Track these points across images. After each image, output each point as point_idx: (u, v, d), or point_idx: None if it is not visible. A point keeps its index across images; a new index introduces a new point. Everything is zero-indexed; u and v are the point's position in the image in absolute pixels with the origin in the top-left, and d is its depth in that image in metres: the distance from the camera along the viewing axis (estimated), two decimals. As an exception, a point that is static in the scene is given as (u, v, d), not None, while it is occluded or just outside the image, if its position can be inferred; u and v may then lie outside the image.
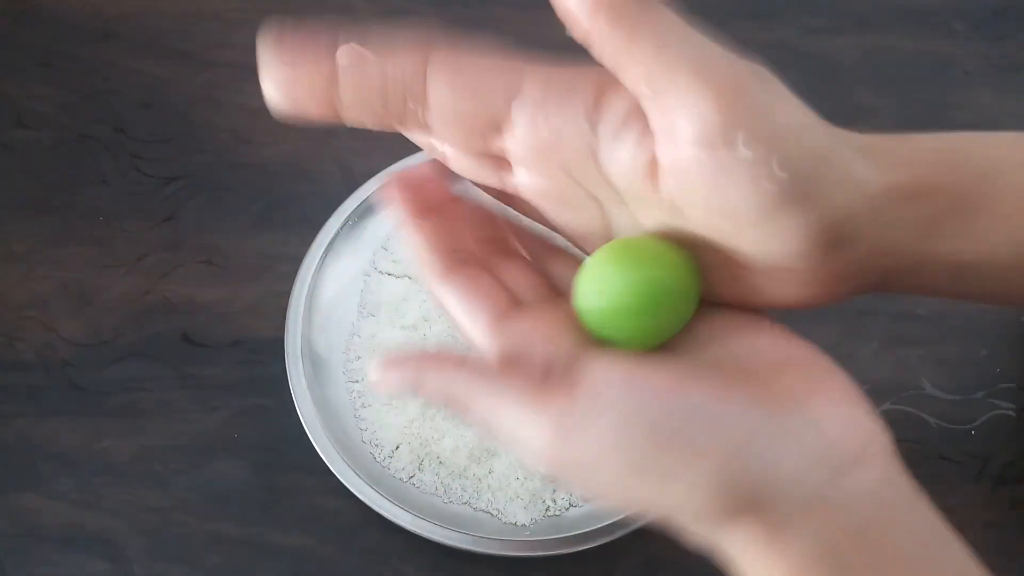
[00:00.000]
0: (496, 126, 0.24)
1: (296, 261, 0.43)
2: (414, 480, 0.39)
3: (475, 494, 0.38)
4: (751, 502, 0.22)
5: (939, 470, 0.40)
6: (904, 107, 0.51)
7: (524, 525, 0.37)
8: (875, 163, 0.24)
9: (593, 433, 0.22)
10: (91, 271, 0.45)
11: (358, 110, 0.25)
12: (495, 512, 0.38)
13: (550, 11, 0.59)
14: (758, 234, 0.23)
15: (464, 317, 0.25)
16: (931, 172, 0.25)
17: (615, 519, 0.36)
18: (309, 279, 0.42)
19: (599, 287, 0.24)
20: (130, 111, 0.50)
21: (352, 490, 0.37)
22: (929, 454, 0.40)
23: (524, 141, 0.24)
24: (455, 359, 0.24)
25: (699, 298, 0.25)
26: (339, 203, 0.44)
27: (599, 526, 0.36)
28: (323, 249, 0.43)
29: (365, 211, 0.44)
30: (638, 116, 0.23)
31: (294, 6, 0.54)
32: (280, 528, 0.39)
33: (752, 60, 0.26)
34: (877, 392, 0.42)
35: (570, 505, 0.38)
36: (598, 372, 0.23)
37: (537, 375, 0.23)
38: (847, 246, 0.23)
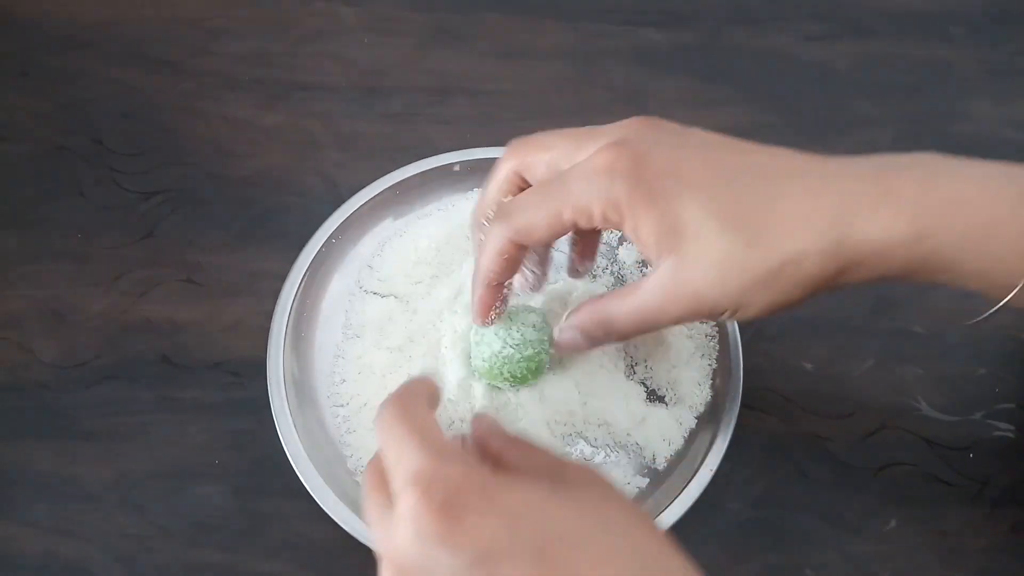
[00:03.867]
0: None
1: (279, 278, 0.42)
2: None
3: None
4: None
5: (936, 493, 0.39)
6: (901, 115, 0.50)
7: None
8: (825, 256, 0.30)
9: None
10: (68, 289, 0.44)
11: None
12: (482, 541, 0.37)
13: (536, 17, 0.58)
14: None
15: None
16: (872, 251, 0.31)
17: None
18: (292, 299, 0.41)
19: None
20: (108, 122, 0.49)
21: (335, 519, 0.36)
22: (926, 477, 0.39)
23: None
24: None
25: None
26: (323, 218, 0.43)
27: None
28: (306, 267, 0.42)
29: (350, 227, 0.43)
30: None
31: (278, 16, 0.53)
32: (261, 556, 0.38)
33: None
34: (872, 412, 0.41)
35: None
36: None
37: None
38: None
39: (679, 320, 0.32)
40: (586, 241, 0.37)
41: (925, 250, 0.30)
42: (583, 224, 0.32)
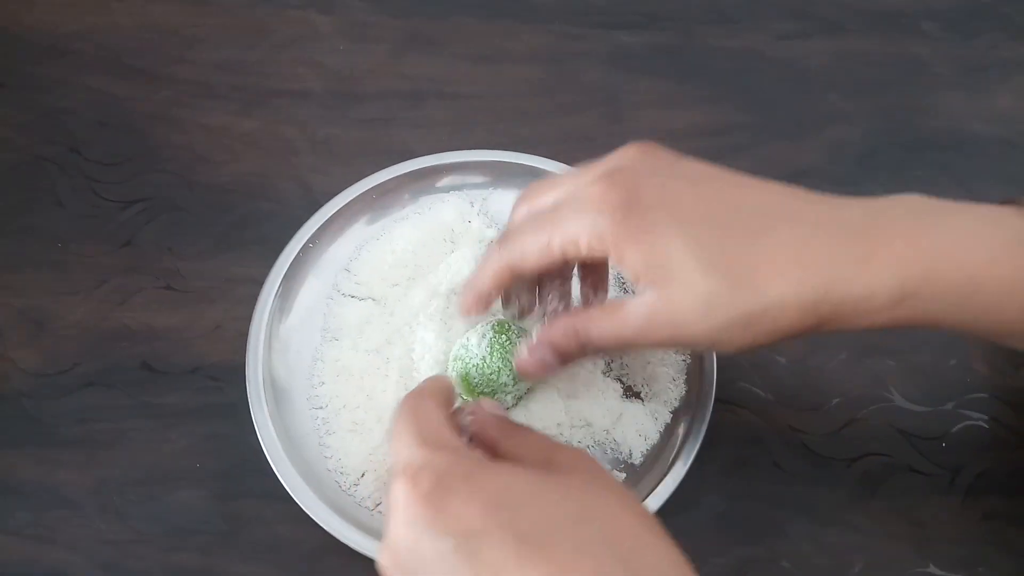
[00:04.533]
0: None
1: (257, 283, 0.42)
2: (381, 508, 0.38)
3: (440, 521, 0.37)
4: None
5: (910, 482, 0.40)
6: (875, 111, 0.50)
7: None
8: (798, 308, 0.31)
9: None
10: (47, 297, 0.44)
11: None
12: (461, 539, 0.37)
13: (511, 21, 0.58)
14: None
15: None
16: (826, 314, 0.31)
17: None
18: (270, 303, 0.41)
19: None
20: (86, 131, 0.49)
21: (316, 520, 0.36)
22: (899, 466, 0.40)
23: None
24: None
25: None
26: (300, 223, 0.43)
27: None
28: (284, 271, 0.42)
29: (327, 232, 0.43)
30: None
31: (253, 23, 0.53)
32: (242, 558, 0.38)
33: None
34: (847, 404, 0.41)
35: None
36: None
37: None
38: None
39: (656, 346, 0.33)
40: (595, 273, 0.37)
41: (906, 308, 0.31)
42: (572, 253, 0.32)
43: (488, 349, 0.37)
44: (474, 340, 0.37)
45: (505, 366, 0.37)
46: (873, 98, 0.51)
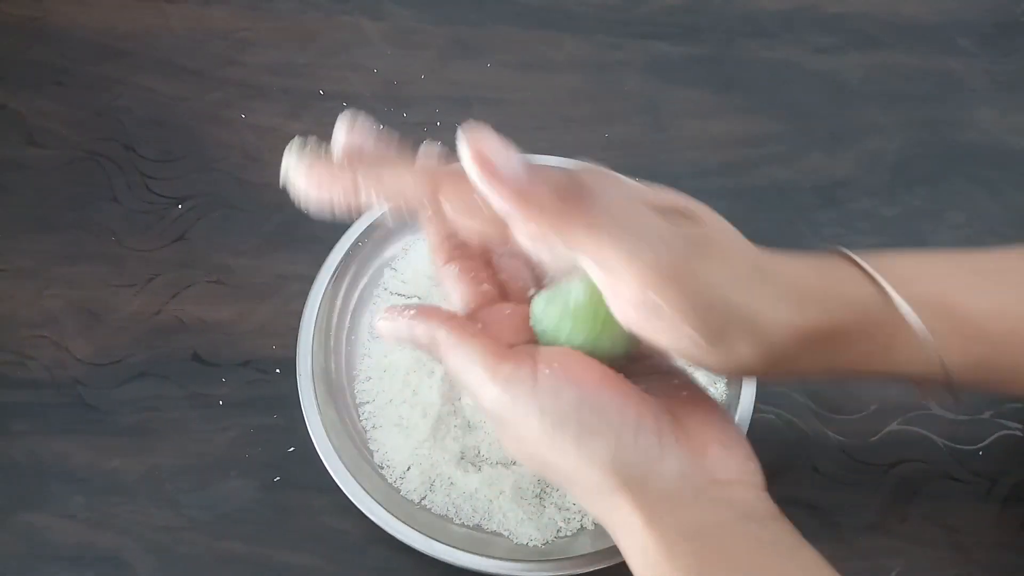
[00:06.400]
0: (501, 227, 0.28)
1: (307, 281, 0.43)
2: (425, 501, 0.39)
3: (486, 515, 0.38)
4: (631, 482, 0.28)
5: (946, 490, 0.40)
6: (910, 124, 0.51)
7: (535, 547, 0.37)
8: (790, 308, 0.29)
9: (524, 399, 0.28)
10: (102, 290, 0.45)
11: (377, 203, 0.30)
12: (506, 533, 0.38)
13: (552, 30, 0.59)
14: (688, 359, 0.29)
15: (457, 296, 0.32)
16: (843, 313, 0.29)
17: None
18: (320, 300, 0.42)
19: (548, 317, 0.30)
20: (140, 129, 0.50)
21: (363, 510, 0.37)
22: (936, 474, 0.40)
23: (522, 239, 0.28)
24: (445, 315, 0.30)
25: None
26: (349, 223, 0.45)
27: (609, 546, 0.36)
28: (334, 269, 0.43)
29: (375, 231, 0.44)
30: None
31: (303, 28, 0.54)
32: (289, 547, 0.39)
33: (694, 208, 0.29)
34: (884, 412, 0.42)
35: (581, 527, 0.38)
36: (548, 353, 0.29)
37: (502, 344, 0.29)
38: (762, 368, 0.29)
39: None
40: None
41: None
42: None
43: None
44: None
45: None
46: (908, 111, 0.52)
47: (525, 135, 0.50)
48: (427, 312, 0.30)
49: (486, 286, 0.32)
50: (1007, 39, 0.54)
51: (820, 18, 0.55)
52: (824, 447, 0.41)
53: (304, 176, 0.30)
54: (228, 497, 0.40)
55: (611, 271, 0.27)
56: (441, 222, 0.31)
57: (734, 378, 0.40)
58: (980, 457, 0.41)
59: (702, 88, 0.52)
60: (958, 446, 0.41)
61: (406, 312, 0.31)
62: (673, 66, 0.53)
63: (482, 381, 0.29)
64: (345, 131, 0.31)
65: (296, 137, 0.31)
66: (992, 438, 0.41)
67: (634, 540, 0.28)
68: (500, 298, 0.32)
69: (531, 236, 0.27)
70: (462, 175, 0.27)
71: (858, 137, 0.51)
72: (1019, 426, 0.41)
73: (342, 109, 0.51)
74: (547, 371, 0.28)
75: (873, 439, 0.41)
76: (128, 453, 0.41)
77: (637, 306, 0.27)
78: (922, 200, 0.49)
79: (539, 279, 0.33)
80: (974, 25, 0.55)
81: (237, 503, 0.40)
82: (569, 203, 0.27)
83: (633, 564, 0.29)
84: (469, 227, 0.28)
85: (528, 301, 0.32)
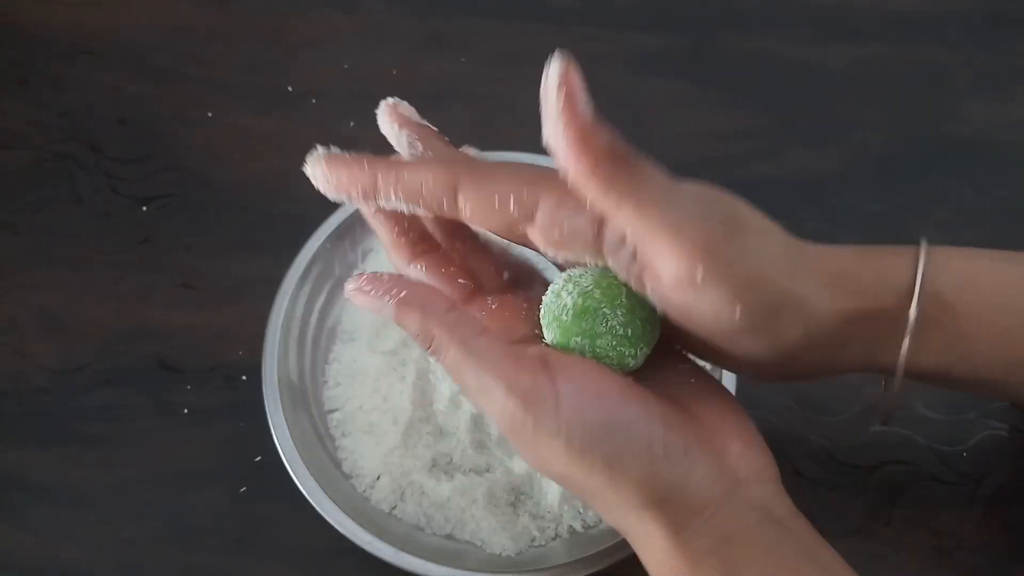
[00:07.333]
0: (517, 227, 0.28)
1: (274, 283, 0.42)
2: (396, 511, 0.38)
3: (459, 525, 0.37)
4: (662, 499, 0.27)
5: (931, 492, 0.39)
6: (896, 117, 0.50)
7: (508, 557, 0.36)
8: (833, 293, 0.28)
9: (547, 423, 0.27)
10: (65, 295, 0.44)
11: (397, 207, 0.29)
12: (479, 543, 0.37)
13: (528, 23, 0.58)
14: (723, 346, 0.28)
15: None
16: (887, 297, 0.29)
17: (599, 549, 0.35)
18: (286, 303, 0.41)
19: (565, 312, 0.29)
20: (106, 129, 0.49)
21: (331, 522, 0.36)
22: (921, 475, 0.39)
23: (542, 238, 0.28)
24: (441, 304, 0.28)
25: (655, 332, 0.29)
26: (318, 222, 0.43)
27: (584, 556, 0.35)
28: (301, 271, 0.42)
29: (344, 232, 0.43)
30: (632, 241, 0.27)
31: (273, 23, 0.53)
32: (257, 559, 0.38)
33: (728, 196, 0.28)
34: (868, 413, 0.41)
35: (555, 536, 0.37)
36: (564, 364, 0.28)
37: (510, 342, 0.28)
38: (803, 357, 0.28)
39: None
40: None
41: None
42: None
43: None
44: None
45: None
46: (894, 104, 0.51)
47: (501, 130, 0.50)
48: (418, 297, 0.28)
49: (462, 280, 0.30)
50: (994, 31, 0.53)
51: (803, 9, 0.54)
52: (806, 449, 0.40)
53: (322, 179, 0.30)
54: (194, 508, 0.39)
55: (653, 245, 0.26)
56: (394, 215, 0.30)
57: (762, 366, 0.32)
58: (964, 458, 0.40)
59: (682, 81, 0.51)
60: (942, 447, 0.40)
61: (392, 290, 0.28)
62: (653, 58, 0.52)
63: (497, 396, 0.27)
64: (390, 119, 0.31)
65: (317, 146, 0.30)
66: (976, 438, 0.40)
67: (660, 557, 0.28)
68: (478, 291, 0.31)
69: (582, 188, 0.26)
70: (483, 172, 0.28)
71: (843, 130, 0.50)
72: (1004, 426, 0.40)
73: (312, 106, 0.50)
74: (568, 388, 0.27)
75: (856, 441, 0.40)
76: (92, 464, 0.40)
77: (677, 285, 0.26)
78: (907, 196, 0.48)
79: (502, 269, 0.32)
80: (962, 16, 0.54)
81: (204, 514, 0.39)
82: (620, 167, 0.26)
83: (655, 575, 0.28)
84: (491, 224, 0.28)
85: (505, 290, 0.30)
